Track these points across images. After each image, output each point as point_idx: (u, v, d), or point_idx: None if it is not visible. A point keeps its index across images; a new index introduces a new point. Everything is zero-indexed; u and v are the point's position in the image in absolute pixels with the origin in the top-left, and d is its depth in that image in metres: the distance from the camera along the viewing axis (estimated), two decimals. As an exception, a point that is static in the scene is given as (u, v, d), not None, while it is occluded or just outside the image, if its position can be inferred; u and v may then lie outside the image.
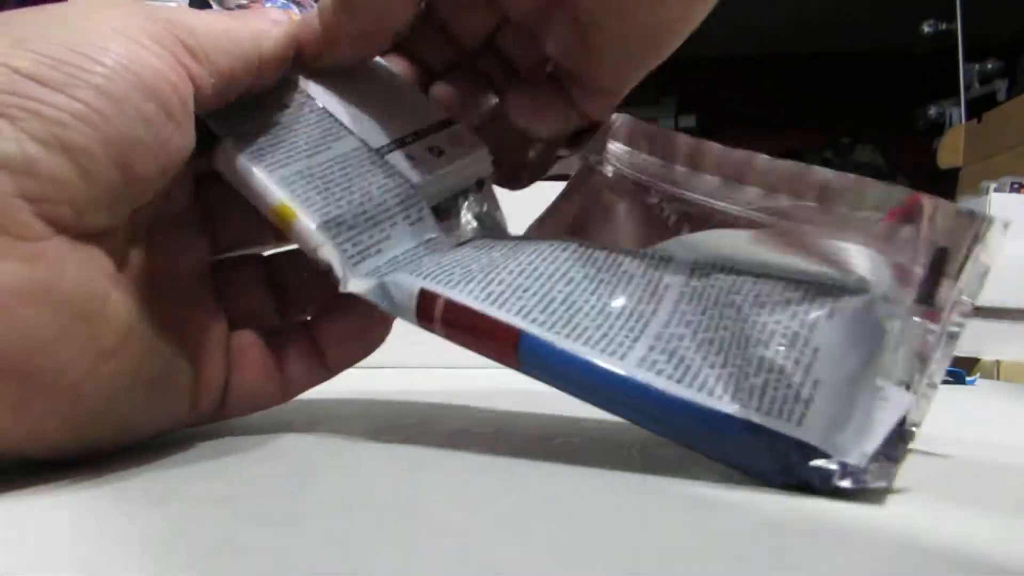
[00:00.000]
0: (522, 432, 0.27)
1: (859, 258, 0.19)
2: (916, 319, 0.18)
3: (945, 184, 1.86)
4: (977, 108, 1.90)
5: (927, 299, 0.17)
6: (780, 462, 0.17)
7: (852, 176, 0.21)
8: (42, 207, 0.17)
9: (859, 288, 0.19)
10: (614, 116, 0.28)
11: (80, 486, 0.19)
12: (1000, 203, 1.10)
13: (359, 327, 0.25)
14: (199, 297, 0.24)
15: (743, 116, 3.32)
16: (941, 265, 0.18)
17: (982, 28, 2.00)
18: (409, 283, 0.21)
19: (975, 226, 0.19)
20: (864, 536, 0.16)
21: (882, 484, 0.17)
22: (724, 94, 3.27)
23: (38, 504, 0.17)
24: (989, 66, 2.08)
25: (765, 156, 0.23)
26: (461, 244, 0.25)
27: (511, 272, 0.21)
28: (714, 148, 0.24)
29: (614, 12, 0.24)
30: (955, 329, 0.18)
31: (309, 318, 0.26)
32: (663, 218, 0.24)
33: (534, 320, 0.20)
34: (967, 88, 2.08)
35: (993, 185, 1.31)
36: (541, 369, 0.19)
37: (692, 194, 0.24)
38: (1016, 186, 1.30)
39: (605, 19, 0.24)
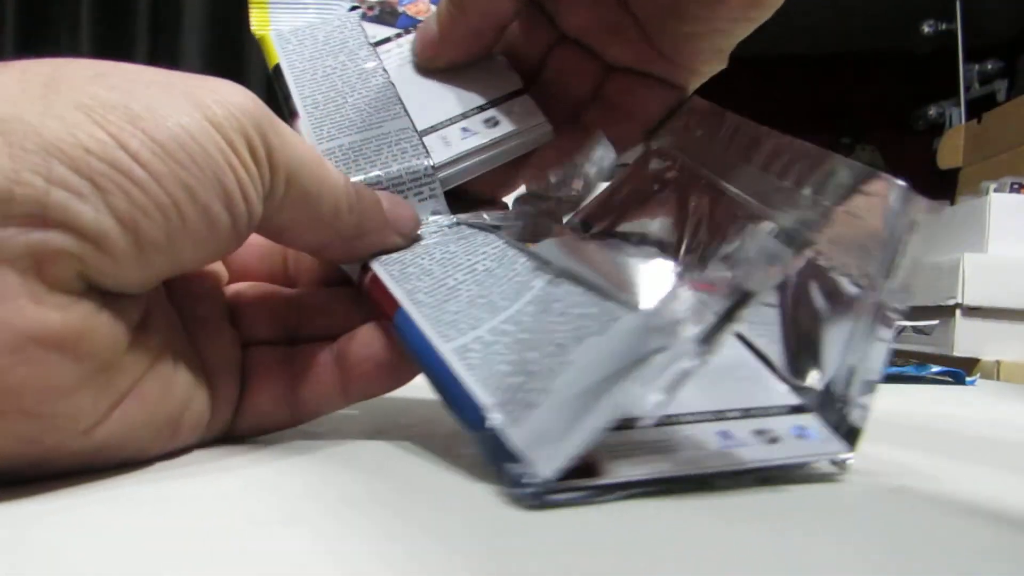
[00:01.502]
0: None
1: (645, 281, 0.21)
2: (690, 361, 0.17)
3: (945, 184, 1.86)
4: (977, 108, 1.90)
5: (708, 339, 0.17)
6: (497, 457, 0.18)
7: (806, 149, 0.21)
8: (88, 271, 0.18)
9: (632, 308, 0.20)
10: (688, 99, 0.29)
11: (79, 486, 0.19)
12: (1000, 203, 1.10)
13: (389, 358, 0.24)
14: (214, 321, 0.24)
15: (743, 116, 3.31)
16: (736, 310, 0.17)
17: (982, 28, 2.00)
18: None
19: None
20: (859, 535, 0.16)
21: (568, 496, 0.17)
22: (724, 94, 3.27)
23: (37, 504, 0.17)
24: (989, 66, 2.08)
25: (772, 132, 0.23)
26: (452, 224, 0.28)
27: (433, 258, 0.24)
28: (739, 123, 0.25)
29: (675, 16, 0.26)
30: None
31: (335, 342, 0.25)
32: (688, 203, 0.25)
33: (414, 299, 0.22)
34: (967, 88, 2.08)
35: (993, 185, 1.31)
36: (403, 338, 0.22)
37: (718, 178, 0.24)
38: (1016, 186, 1.30)
39: (668, 23, 0.26)
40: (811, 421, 0.20)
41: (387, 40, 0.30)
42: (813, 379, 0.21)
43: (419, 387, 0.23)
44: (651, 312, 0.19)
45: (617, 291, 0.21)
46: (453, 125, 0.28)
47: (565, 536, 0.15)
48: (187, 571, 0.13)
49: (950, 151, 1.86)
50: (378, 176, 0.27)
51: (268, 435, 0.25)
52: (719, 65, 0.28)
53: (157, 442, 0.21)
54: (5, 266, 0.16)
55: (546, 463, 0.17)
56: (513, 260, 0.24)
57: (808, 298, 0.21)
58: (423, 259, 0.24)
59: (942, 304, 1.06)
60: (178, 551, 0.14)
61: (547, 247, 0.24)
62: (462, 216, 0.27)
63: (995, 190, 1.26)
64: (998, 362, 1.01)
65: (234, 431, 0.24)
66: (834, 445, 0.20)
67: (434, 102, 0.28)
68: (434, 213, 0.27)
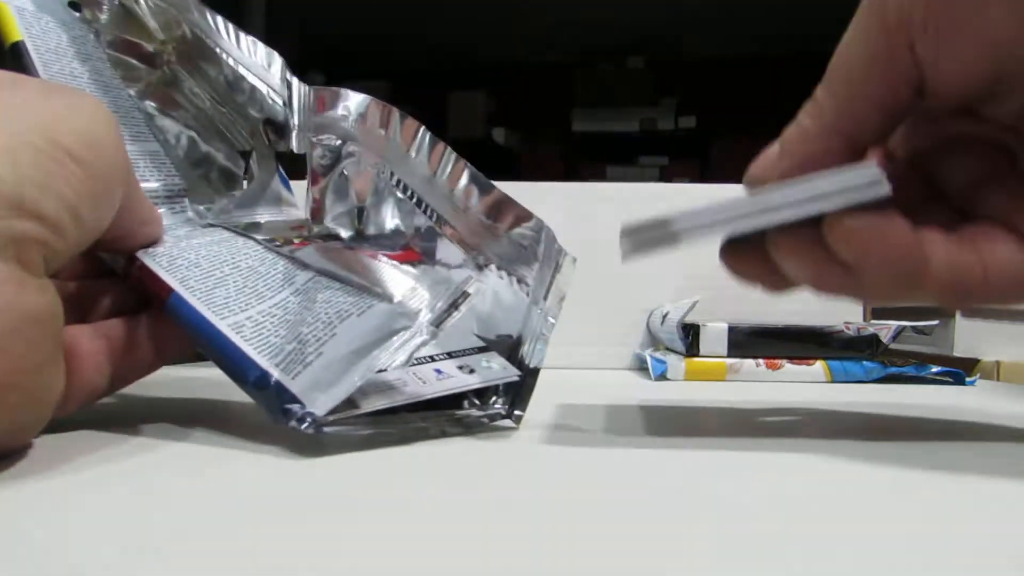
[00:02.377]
0: (522, 431, 0.28)
1: (395, 282, 0.27)
2: (425, 335, 0.25)
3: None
4: (977, 109, 1.90)
5: (438, 323, 0.26)
6: (277, 403, 0.23)
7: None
8: (48, 255, 0.20)
9: (387, 300, 0.26)
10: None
11: (79, 486, 0.19)
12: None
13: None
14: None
15: (743, 116, 3.32)
16: (457, 304, 0.26)
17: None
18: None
19: (555, 257, 0.27)
20: (859, 535, 0.16)
21: (345, 430, 0.24)
22: (724, 94, 3.27)
23: (36, 504, 0.17)
24: (989, 67, 2.08)
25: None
26: (207, 226, 0.31)
27: (200, 254, 0.28)
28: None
29: None
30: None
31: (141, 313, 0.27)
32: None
33: (187, 286, 0.26)
34: (967, 89, 2.07)
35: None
36: (179, 318, 0.26)
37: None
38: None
39: None
40: (495, 358, 0.28)
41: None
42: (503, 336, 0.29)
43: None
44: (399, 302, 0.26)
45: (370, 287, 0.27)
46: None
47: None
48: (187, 571, 0.13)
49: (950, 151, 1.85)
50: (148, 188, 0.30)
51: (263, 433, 0.25)
52: None
53: (42, 423, 0.22)
54: None
55: (320, 405, 0.23)
56: (274, 262, 0.29)
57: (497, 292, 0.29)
58: (189, 254, 0.28)
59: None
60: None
61: (306, 253, 0.29)
62: (215, 220, 0.31)
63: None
64: (998, 362, 1.01)
65: (65, 409, 0.24)
66: (512, 372, 0.28)
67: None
68: (183, 210, 0.31)
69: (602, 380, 0.49)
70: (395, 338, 0.25)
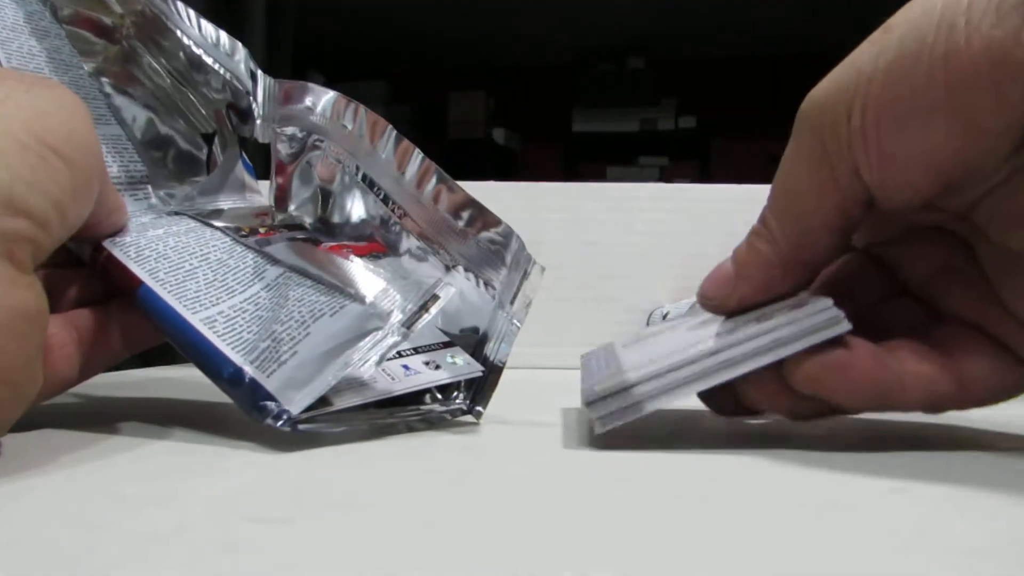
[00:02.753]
0: (521, 431, 0.28)
1: (367, 283, 0.27)
2: (397, 336, 0.25)
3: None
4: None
5: (409, 325, 0.25)
6: (250, 400, 0.23)
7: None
8: (36, 252, 0.21)
9: (359, 301, 0.26)
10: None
11: (79, 486, 0.19)
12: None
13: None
14: None
15: (743, 116, 3.32)
16: (427, 306, 0.26)
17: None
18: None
19: (524, 264, 0.27)
20: (859, 535, 0.16)
21: (318, 427, 0.24)
22: (724, 94, 3.27)
23: (36, 504, 0.17)
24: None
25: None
26: (171, 214, 0.30)
27: (167, 245, 0.28)
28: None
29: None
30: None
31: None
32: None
33: (156, 278, 0.26)
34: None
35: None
36: (149, 311, 0.26)
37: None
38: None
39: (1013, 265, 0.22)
40: (460, 353, 0.29)
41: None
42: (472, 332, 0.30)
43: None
44: (371, 303, 0.26)
45: (342, 286, 0.27)
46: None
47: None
48: (187, 571, 0.13)
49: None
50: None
51: (263, 433, 0.25)
52: None
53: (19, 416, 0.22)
54: None
55: (295, 403, 0.23)
56: (243, 255, 0.29)
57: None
58: (157, 245, 0.28)
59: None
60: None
61: (276, 249, 0.29)
62: (179, 208, 0.31)
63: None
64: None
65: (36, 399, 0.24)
66: (476, 367, 0.28)
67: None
68: (146, 196, 0.31)
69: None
70: (367, 339, 0.25)
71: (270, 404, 0.23)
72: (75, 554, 0.14)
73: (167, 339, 0.26)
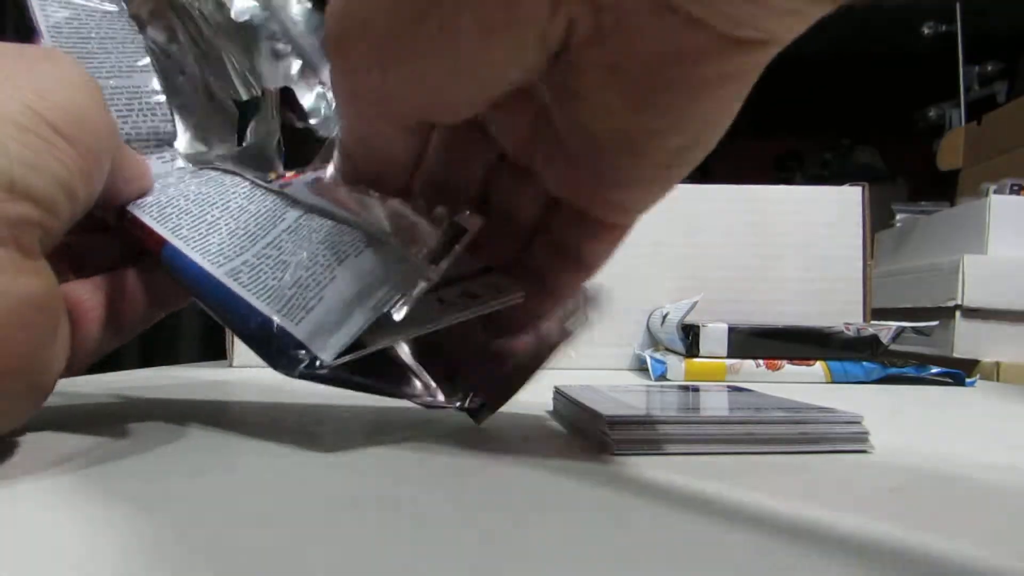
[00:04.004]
0: (521, 432, 0.28)
1: (391, 218, 0.26)
2: (425, 275, 0.24)
3: (945, 186, 1.86)
4: (977, 110, 1.90)
5: (436, 261, 0.24)
6: (278, 347, 0.23)
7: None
8: (44, 236, 0.20)
9: (384, 238, 0.25)
10: None
11: (80, 487, 0.19)
12: (1000, 205, 1.10)
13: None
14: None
15: (743, 117, 3.31)
16: (454, 240, 0.24)
17: (982, 30, 2.00)
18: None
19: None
20: (860, 535, 0.16)
21: (337, 373, 0.23)
22: (724, 95, 3.26)
23: (37, 504, 0.17)
24: (989, 68, 2.08)
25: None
26: (195, 172, 0.30)
27: (188, 199, 0.28)
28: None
29: (588, 130, 0.22)
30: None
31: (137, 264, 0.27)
32: None
33: (179, 235, 0.26)
34: (967, 90, 2.08)
35: (993, 187, 1.32)
36: (174, 270, 0.26)
37: None
38: (1016, 188, 1.30)
39: (584, 142, 0.22)
40: (498, 278, 0.27)
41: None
42: None
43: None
44: (397, 240, 0.25)
45: (365, 224, 0.25)
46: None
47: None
48: (187, 571, 0.13)
49: (950, 152, 1.86)
50: (127, 134, 0.29)
51: (263, 433, 0.25)
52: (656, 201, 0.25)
53: (39, 405, 0.22)
54: None
55: (327, 349, 0.23)
56: (263, 198, 0.28)
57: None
58: (179, 201, 0.27)
59: (942, 305, 1.06)
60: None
61: (295, 188, 0.28)
62: (201, 164, 0.31)
63: (995, 192, 1.26)
64: (997, 363, 1.01)
65: (75, 368, 0.25)
66: (518, 294, 0.26)
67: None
68: (172, 159, 0.30)
69: (602, 381, 0.49)
70: (396, 278, 0.24)
71: (300, 353, 0.22)
72: (76, 554, 0.14)
73: (195, 298, 0.26)
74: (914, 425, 0.32)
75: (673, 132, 0.21)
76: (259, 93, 0.34)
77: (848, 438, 0.24)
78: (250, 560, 0.14)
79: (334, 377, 0.23)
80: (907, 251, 1.32)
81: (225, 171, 0.30)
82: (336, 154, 0.26)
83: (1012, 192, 1.29)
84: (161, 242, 0.26)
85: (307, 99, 0.34)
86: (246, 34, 0.33)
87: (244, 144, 0.34)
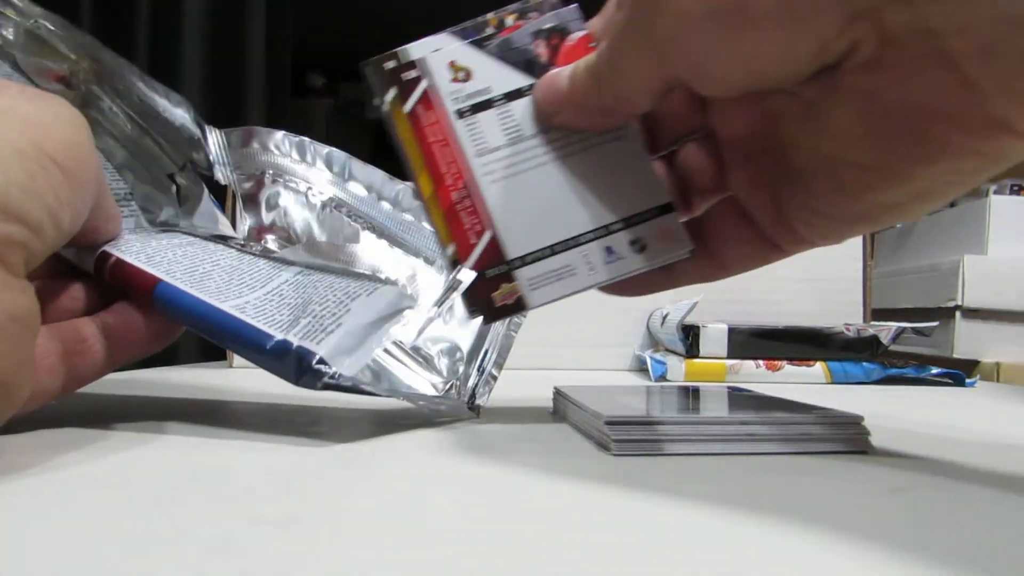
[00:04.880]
0: (522, 431, 0.28)
1: (395, 267, 0.31)
2: (431, 314, 0.28)
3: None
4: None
5: (439, 303, 0.27)
6: (298, 366, 0.25)
7: None
8: (29, 257, 0.21)
9: (391, 283, 0.29)
10: None
11: (80, 487, 0.19)
12: (1000, 205, 1.10)
13: (145, 322, 0.27)
14: None
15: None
16: (454, 288, 0.26)
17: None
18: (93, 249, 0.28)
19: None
20: (860, 535, 0.16)
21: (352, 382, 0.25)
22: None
23: (37, 504, 0.17)
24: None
25: None
26: (161, 231, 0.32)
27: (175, 253, 0.29)
28: None
29: (813, 152, 0.22)
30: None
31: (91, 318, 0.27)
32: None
33: (173, 276, 0.27)
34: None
35: (993, 187, 1.32)
36: (169, 307, 0.26)
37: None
38: (1016, 188, 1.30)
39: (801, 162, 0.22)
40: (672, 220, 0.26)
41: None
42: None
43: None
44: (402, 285, 0.29)
45: (371, 273, 0.29)
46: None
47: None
48: (187, 571, 0.13)
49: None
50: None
51: (262, 434, 0.25)
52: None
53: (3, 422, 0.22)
54: None
55: (345, 368, 0.25)
56: (253, 261, 0.30)
57: None
58: (166, 252, 0.28)
59: (942, 306, 1.06)
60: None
61: (285, 253, 0.31)
62: (165, 227, 0.33)
63: (995, 192, 1.26)
64: (998, 364, 1.01)
65: (64, 390, 0.25)
66: (687, 244, 0.26)
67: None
68: (132, 214, 0.32)
69: (602, 381, 0.49)
70: (405, 314, 0.27)
71: (324, 368, 0.24)
72: (76, 554, 0.14)
73: (196, 330, 0.26)
74: (914, 425, 0.32)
75: (897, 184, 0.20)
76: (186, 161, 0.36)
77: (848, 438, 0.24)
78: (250, 560, 0.14)
79: (351, 386, 0.25)
80: (907, 251, 1.31)
81: (201, 236, 0.32)
82: (572, 78, 0.25)
83: (1012, 192, 1.29)
84: (154, 281, 0.26)
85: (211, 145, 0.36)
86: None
87: (184, 205, 0.35)
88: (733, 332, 0.54)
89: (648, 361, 0.56)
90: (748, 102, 0.23)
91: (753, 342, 0.54)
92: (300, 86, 2.63)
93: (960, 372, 0.53)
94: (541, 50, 0.27)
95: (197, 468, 0.21)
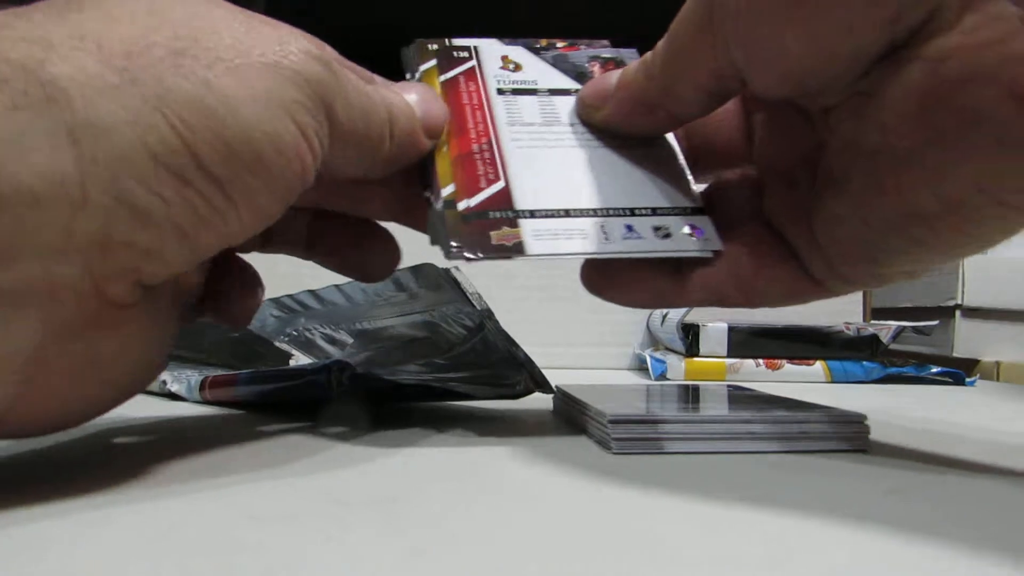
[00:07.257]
0: (519, 432, 0.28)
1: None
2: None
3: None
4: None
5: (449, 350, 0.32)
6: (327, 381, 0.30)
7: None
8: (143, 278, 0.18)
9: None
10: None
11: (80, 487, 0.19)
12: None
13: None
14: None
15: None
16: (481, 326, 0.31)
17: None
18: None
19: None
20: (859, 535, 0.16)
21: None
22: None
23: (38, 504, 0.17)
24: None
25: None
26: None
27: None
28: None
29: (857, 151, 0.21)
30: None
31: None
32: None
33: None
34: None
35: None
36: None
37: None
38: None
39: (842, 171, 0.21)
40: (704, 221, 0.25)
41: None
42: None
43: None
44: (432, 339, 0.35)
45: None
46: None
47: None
48: (187, 571, 0.13)
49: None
50: None
51: (263, 434, 0.24)
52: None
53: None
54: (71, 292, 0.17)
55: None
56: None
57: None
58: None
59: (942, 305, 1.06)
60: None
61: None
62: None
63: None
64: (998, 363, 1.00)
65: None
66: (715, 244, 0.24)
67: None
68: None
69: (602, 380, 0.49)
70: (421, 361, 0.32)
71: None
72: (76, 554, 0.14)
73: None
74: (914, 424, 0.32)
75: (934, 182, 0.19)
76: None
77: (848, 437, 0.24)
78: (250, 560, 0.14)
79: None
80: (907, 251, 1.31)
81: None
82: (623, 75, 0.24)
83: (1012, 192, 1.29)
84: (234, 378, 0.34)
85: None
86: None
87: None
88: (733, 331, 0.54)
89: (648, 360, 0.56)
90: (793, 114, 0.23)
91: (753, 341, 0.54)
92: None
93: (960, 371, 0.53)
94: (595, 69, 0.27)
95: (199, 467, 0.21)
